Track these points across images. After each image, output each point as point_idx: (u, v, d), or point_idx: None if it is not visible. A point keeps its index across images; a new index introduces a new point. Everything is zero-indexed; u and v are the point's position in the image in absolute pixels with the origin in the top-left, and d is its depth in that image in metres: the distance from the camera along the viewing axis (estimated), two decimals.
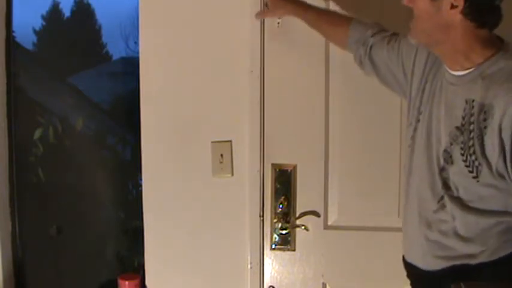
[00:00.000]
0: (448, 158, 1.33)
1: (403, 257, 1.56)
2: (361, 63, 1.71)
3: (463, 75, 1.33)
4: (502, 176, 1.26)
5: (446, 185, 1.35)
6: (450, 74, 1.37)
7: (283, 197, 1.97)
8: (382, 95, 1.90)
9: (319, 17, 1.79)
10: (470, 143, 1.27)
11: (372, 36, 1.66)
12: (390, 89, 1.68)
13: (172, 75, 2.03)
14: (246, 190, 1.99)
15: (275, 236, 1.98)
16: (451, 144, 1.32)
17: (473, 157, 1.27)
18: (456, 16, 1.27)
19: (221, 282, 2.04)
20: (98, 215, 2.56)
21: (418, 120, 1.46)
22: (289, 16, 1.87)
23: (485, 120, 1.24)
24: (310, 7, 1.79)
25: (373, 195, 1.93)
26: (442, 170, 1.36)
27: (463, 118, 1.29)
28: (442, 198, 1.37)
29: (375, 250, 1.95)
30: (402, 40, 1.60)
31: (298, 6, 1.80)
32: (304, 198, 1.97)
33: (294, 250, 1.98)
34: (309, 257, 1.98)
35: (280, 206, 1.96)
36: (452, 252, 1.37)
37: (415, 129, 1.46)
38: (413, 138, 1.47)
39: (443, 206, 1.37)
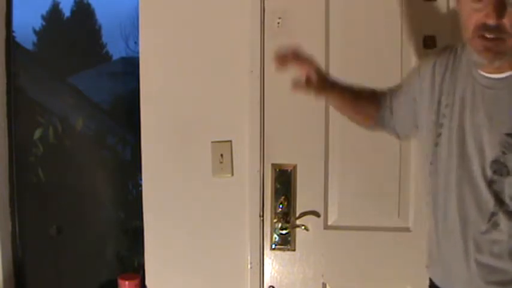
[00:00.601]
0: (503, 169, 1.21)
1: (433, 283, 1.42)
2: (393, 129, 1.60)
3: (505, 77, 1.24)
4: None
5: (499, 200, 1.23)
6: (485, 77, 1.27)
7: (283, 197, 1.97)
8: None
9: (355, 97, 1.61)
10: None
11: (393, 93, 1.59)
12: (414, 135, 1.57)
13: (172, 75, 2.03)
14: (246, 190, 1.99)
15: (275, 236, 1.98)
16: (504, 153, 1.21)
17: None
18: None
19: (221, 282, 2.04)
20: (98, 215, 2.56)
21: (439, 134, 1.33)
22: (290, 16, 1.88)
23: None
24: (346, 88, 1.59)
25: (373, 195, 1.93)
26: (491, 183, 1.24)
27: None
28: (493, 215, 1.24)
29: (375, 250, 1.95)
30: (407, 78, 1.54)
31: (339, 87, 1.59)
32: (304, 198, 1.97)
33: (294, 250, 1.98)
34: (309, 257, 1.98)
35: (280, 206, 1.96)
36: (507, 276, 1.25)
37: (437, 144, 1.34)
38: (435, 154, 1.34)
39: (495, 225, 1.24)
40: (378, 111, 1.59)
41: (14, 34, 2.36)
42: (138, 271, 2.16)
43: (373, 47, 1.91)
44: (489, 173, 1.24)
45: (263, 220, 1.98)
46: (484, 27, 1.19)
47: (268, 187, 1.98)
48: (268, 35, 1.94)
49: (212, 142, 2.00)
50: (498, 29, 1.18)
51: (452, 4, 1.84)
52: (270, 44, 1.94)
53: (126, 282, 2.06)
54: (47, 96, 2.58)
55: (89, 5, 2.77)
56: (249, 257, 1.99)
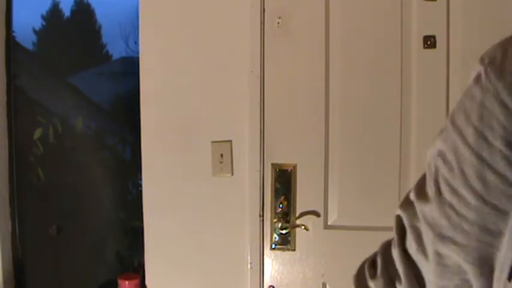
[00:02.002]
0: None
1: None
2: None
3: None
4: None
5: None
6: None
7: (283, 197, 1.97)
8: (383, 95, 1.91)
9: None
10: None
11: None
12: None
13: (172, 75, 2.03)
14: (246, 190, 1.99)
15: (275, 235, 1.98)
16: None
17: None
18: None
19: (221, 282, 2.04)
20: (97, 215, 2.56)
21: None
22: (290, 16, 1.88)
23: None
24: None
25: (373, 195, 1.93)
26: None
27: None
28: None
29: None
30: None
31: None
32: (304, 198, 1.97)
33: (294, 250, 1.98)
34: (309, 257, 1.98)
35: (280, 205, 1.96)
36: None
37: None
38: None
39: None
40: None
41: (14, 34, 2.36)
42: (138, 271, 2.17)
43: (373, 47, 1.91)
44: None
45: (263, 220, 1.98)
46: None
47: (268, 187, 1.98)
48: (268, 35, 1.94)
49: (212, 142, 2.00)
50: None
51: (452, 4, 1.85)
52: (270, 44, 1.94)
53: (126, 282, 2.06)
54: (47, 96, 2.58)
55: (88, 5, 2.77)
56: (249, 257, 1.99)
